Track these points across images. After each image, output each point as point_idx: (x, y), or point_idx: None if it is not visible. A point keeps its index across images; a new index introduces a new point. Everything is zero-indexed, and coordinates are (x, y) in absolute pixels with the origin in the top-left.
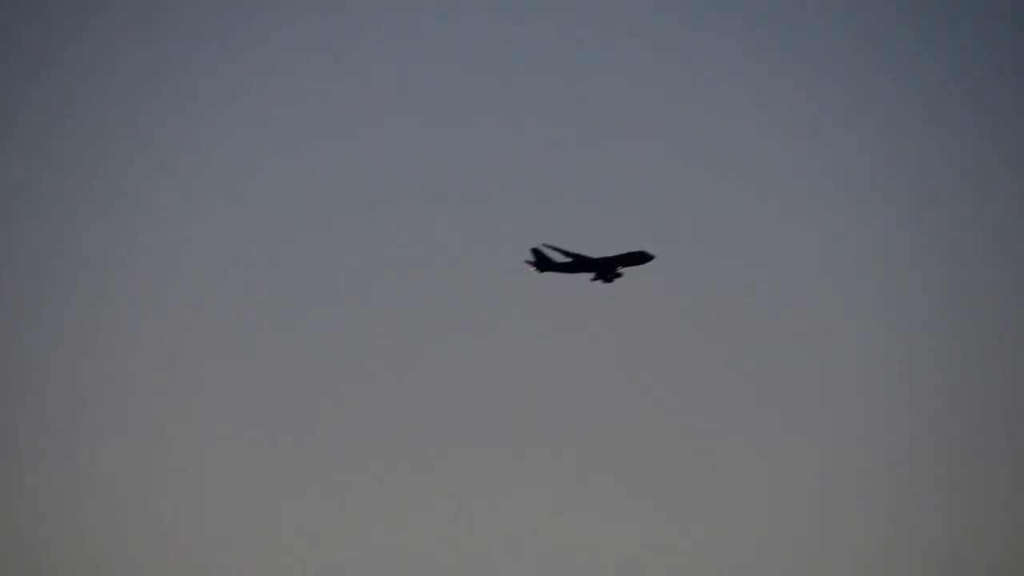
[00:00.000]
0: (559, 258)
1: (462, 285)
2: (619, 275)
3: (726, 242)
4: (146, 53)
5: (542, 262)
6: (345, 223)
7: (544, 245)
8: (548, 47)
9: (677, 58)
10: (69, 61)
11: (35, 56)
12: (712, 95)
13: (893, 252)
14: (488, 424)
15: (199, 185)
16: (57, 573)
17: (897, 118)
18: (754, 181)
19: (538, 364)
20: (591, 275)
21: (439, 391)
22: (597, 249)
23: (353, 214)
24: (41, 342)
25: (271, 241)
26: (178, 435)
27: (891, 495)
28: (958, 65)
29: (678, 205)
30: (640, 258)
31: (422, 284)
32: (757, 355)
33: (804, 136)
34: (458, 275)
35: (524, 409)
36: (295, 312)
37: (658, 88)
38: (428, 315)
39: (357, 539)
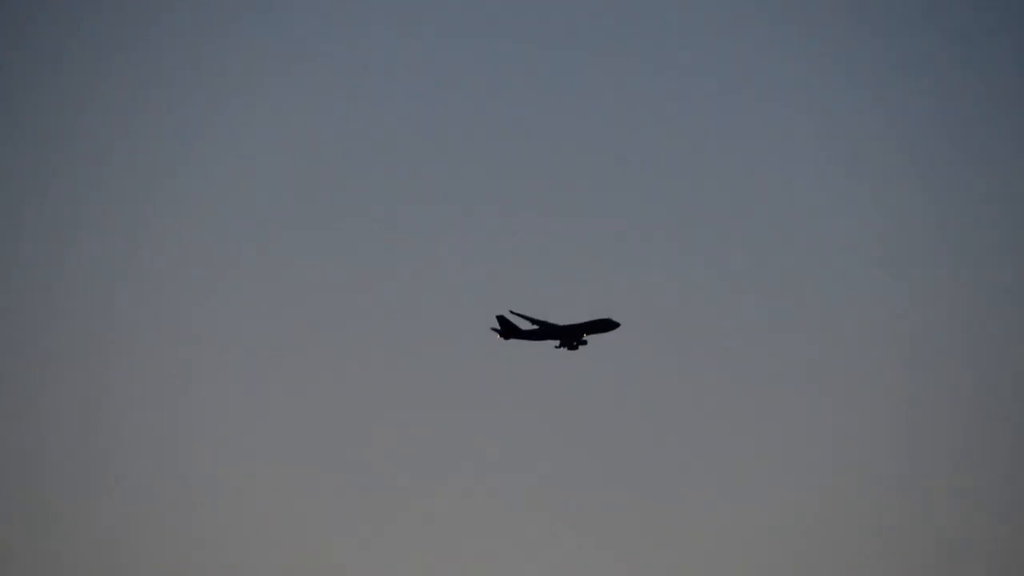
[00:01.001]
0: (525, 325)
1: (426, 353)
2: (584, 342)
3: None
4: (146, 53)
5: (507, 329)
6: (313, 291)
7: (510, 312)
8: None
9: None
10: (69, 61)
11: (36, 56)
12: (690, 161)
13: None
14: (458, 489)
15: (196, 189)
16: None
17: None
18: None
19: (504, 429)
20: (556, 342)
21: (403, 457)
22: (561, 316)
23: (320, 281)
24: (42, 342)
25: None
26: (181, 437)
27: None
28: (960, 63)
29: (645, 272)
30: (605, 325)
31: (385, 351)
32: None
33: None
34: (422, 343)
35: (489, 475)
36: (262, 379)
37: (633, 154)
38: (391, 383)
39: None
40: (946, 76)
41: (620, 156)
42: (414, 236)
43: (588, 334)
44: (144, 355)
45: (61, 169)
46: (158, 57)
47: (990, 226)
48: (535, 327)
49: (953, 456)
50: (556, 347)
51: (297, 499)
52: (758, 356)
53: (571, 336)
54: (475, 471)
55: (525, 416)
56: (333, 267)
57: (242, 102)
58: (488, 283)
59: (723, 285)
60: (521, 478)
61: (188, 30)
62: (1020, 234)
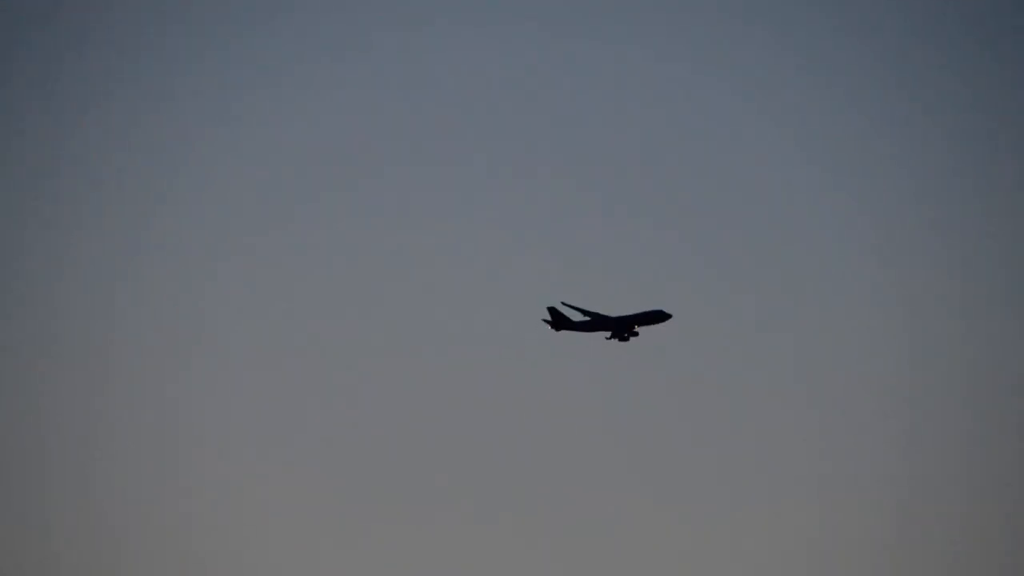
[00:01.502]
0: (576, 316)
1: (477, 344)
2: (635, 334)
3: (742, 296)
4: (145, 52)
5: (558, 320)
6: (358, 282)
7: (562, 303)
8: (560, 95)
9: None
10: (68, 60)
11: (36, 56)
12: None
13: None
14: (498, 484)
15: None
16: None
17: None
18: (775, 237)
19: (551, 421)
20: (607, 334)
21: (451, 449)
22: (612, 307)
23: (366, 275)
24: (41, 342)
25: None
26: (180, 436)
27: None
28: (959, 63)
29: (697, 262)
30: (657, 317)
31: (435, 340)
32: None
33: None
34: (474, 334)
35: (533, 466)
36: (305, 376)
37: (681, 146)
38: (441, 374)
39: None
40: (949, 75)
41: (674, 150)
42: (465, 226)
43: (640, 326)
44: (148, 355)
45: (60, 169)
46: (158, 56)
47: (991, 225)
48: (586, 319)
49: (954, 456)
50: (607, 339)
51: (329, 496)
52: (797, 353)
53: (622, 328)
54: (521, 462)
55: (574, 406)
56: (379, 254)
57: (244, 101)
58: (540, 275)
59: (772, 279)
60: (567, 470)
61: (187, 28)
62: (1021, 233)
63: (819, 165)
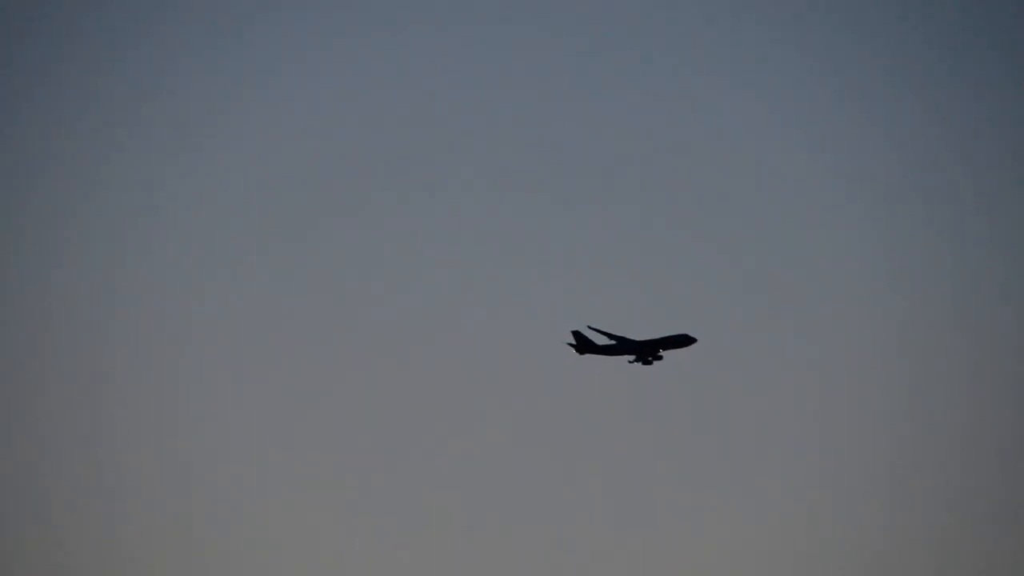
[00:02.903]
0: (601, 340)
1: (501, 367)
2: (659, 357)
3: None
4: (146, 52)
5: (583, 344)
6: (381, 307)
7: (588, 327)
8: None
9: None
10: (69, 60)
11: (36, 55)
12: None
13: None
14: (520, 501)
15: (197, 186)
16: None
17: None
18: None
19: (575, 445)
20: (631, 357)
21: (475, 474)
22: (636, 331)
23: (388, 297)
24: (40, 342)
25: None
26: (179, 433)
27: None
28: (958, 61)
29: (723, 285)
30: (683, 341)
31: (460, 365)
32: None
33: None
34: (497, 358)
35: (557, 491)
36: (334, 404)
37: (711, 168)
38: (465, 398)
39: None
40: (949, 75)
41: (705, 173)
42: (491, 250)
43: (664, 349)
44: (158, 355)
45: (60, 169)
46: (158, 54)
47: (991, 225)
48: (611, 342)
49: (954, 457)
50: (630, 362)
51: (350, 516)
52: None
53: (647, 351)
54: (546, 487)
55: (596, 428)
56: (404, 276)
57: (247, 98)
58: (564, 299)
59: (800, 302)
60: (590, 495)
61: (185, 28)
62: (1020, 233)
63: (857, 196)
